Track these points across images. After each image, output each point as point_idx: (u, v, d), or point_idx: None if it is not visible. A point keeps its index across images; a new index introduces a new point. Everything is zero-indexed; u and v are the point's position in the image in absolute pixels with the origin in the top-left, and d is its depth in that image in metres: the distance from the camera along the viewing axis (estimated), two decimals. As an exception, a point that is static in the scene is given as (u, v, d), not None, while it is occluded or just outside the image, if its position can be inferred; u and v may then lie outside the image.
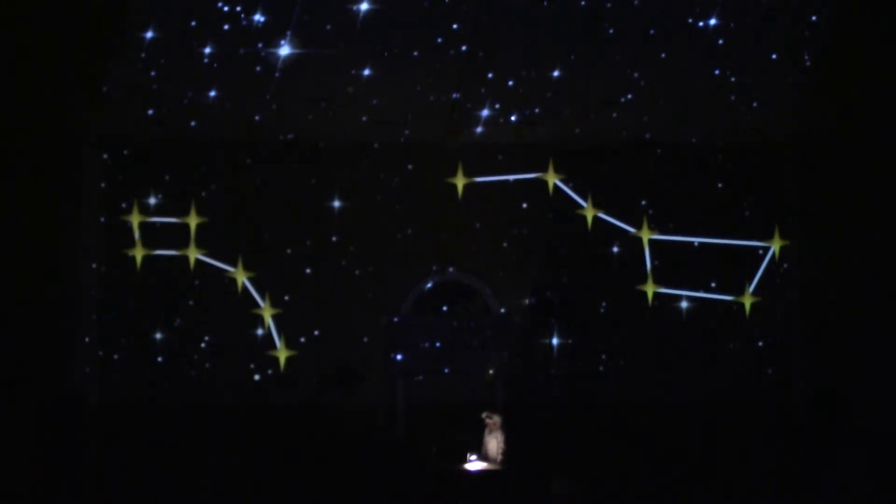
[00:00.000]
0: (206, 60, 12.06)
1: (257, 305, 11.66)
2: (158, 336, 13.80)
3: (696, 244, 13.10)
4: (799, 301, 14.30)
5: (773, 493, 12.64)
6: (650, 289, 11.62)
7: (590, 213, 11.39)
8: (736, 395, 14.11)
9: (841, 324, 13.32)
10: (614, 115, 13.69)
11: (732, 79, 12.91)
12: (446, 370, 14.57)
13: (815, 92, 13.35)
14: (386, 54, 12.32)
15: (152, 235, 11.81)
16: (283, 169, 14.29)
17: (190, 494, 12.41)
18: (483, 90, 13.04)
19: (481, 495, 12.03)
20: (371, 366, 14.14)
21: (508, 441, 12.62)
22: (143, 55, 11.94)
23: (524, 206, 14.25)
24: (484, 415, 12.81)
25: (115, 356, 13.76)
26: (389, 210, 14.40)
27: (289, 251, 14.16)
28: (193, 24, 11.74)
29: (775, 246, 11.56)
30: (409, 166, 14.41)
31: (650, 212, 12.91)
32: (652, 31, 12.15)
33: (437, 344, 14.57)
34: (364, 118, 13.58)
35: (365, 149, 14.32)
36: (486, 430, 12.78)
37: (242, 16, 11.59)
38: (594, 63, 12.64)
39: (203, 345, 14.00)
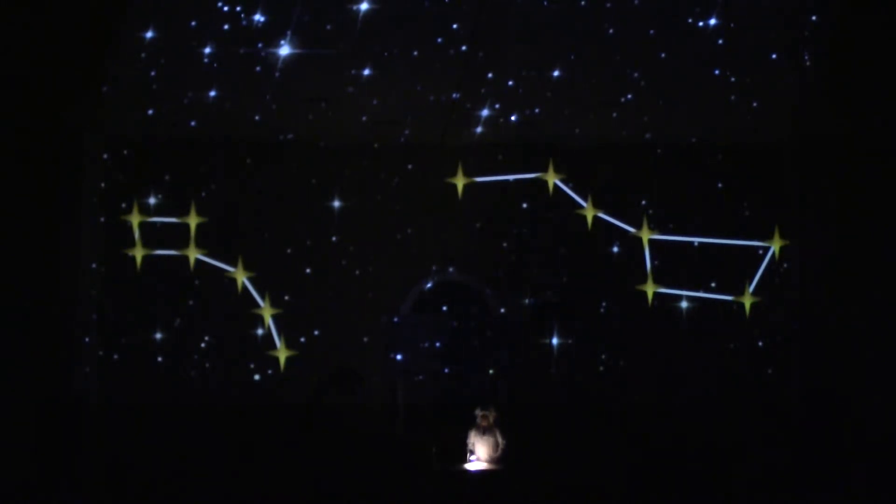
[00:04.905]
0: (206, 60, 12.06)
1: (257, 305, 11.66)
2: (158, 336, 13.79)
3: (696, 244, 13.10)
4: (799, 301, 14.29)
5: (773, 493, 12.65)
6: (650, 289, 11.63)
7: (590, 213, 11.40)
8: (736, 395, 14.10)
9: (840, 324, 13.32)
10: (614, 115, 13.69)
11: (732, 79, 12.91)
12: (446, 370, 14.56)
13: (814, 92, 13.35)
14: (386, 54, 12.32)
15: (152, 235, 11.81)
16: (283, 169, 14.28)
17: (190, 494, 12.40)
18: (483, 90, 13.04)
19: (481, 495, 12.02)
20: (371, 366, 14.12)
21: (506, 440, 12.56)
22: (143, 55, 11.94)
23: (524, 206, 14.24)
24: (477, 411, 12.44)
25: (115, 356, 13.75)
26: (389, 210, 14.39)
27: (289, 251, 14.15)
28: (193, 24, 11.74)
29: (775, 246, 11.56)
30: (409, 166, 14.40)
31: (650, 212, 12.92)
32: (652, 31, 12.15)
33: (437, 344, 14.56)
34: (364, 118, 13.59)
35: (365, 149, 14.32)
36: (478, 430, 12.42)
37: (242, 16, 11.59)
38: (594, 63, 12.65)
39: (203, 345, 14.00)
